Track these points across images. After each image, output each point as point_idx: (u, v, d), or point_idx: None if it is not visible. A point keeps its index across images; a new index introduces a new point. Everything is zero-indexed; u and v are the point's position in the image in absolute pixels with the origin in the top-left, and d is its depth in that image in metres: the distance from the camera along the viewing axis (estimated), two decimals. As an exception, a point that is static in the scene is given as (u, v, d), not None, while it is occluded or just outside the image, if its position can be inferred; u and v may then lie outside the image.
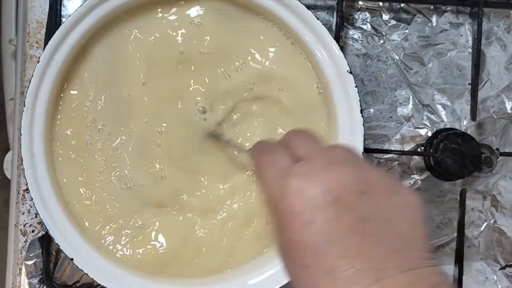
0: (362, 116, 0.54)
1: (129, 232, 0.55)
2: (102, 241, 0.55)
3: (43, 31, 0.60)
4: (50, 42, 0.50)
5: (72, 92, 0.54)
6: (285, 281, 0.53)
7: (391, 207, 0.39)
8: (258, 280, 0.54)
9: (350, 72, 0.53)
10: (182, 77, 0.56)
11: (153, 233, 0.56)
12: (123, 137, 0.56)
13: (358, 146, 0.54)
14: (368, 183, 0.39)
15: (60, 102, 0.54)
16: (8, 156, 0.67)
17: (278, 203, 0.39)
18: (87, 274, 0.51)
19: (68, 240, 0.52)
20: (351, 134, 0.54)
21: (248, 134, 0.57)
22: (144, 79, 0.55)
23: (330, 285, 0.37)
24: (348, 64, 0.53)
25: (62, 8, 0.59)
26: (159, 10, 0.55)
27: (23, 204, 0.60)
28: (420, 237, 0.39)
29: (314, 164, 0.39)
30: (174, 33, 0.55)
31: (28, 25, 0.60)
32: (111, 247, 0.55)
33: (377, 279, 0.36)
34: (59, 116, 0.54)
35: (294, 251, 0.39)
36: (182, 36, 0.56)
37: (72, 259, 0.51)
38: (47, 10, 0.59)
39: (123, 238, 0.55)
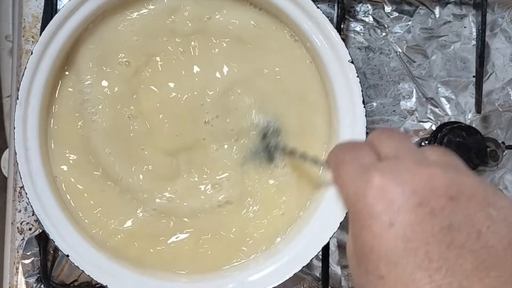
0: (364, 106, 0.53)
1: (126, 227, 0.54)
2: (98, 237, 0.53)
3: (39, 25, 0.59)
4: (43, 34, 0.49)
5: (67, 84, 0.53)
6: (285, 278, 0.52)
7: (484, 219, 0.34)
8: (259, 277, 0.53)
9: (352, 62, 0.52)
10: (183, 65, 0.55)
11: (152, 229, 0.54)
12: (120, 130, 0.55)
13: (361, 138, 0.53)
14: (461, 189, 0.34)
15: (55, 95, 0.53)
16: (5, 154, 0.66)
17: (357, 201, 0.35)
18: (82, 271, 0.50)
19: (63, 236, 0.51)
20: (353, 125, 0.53)
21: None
22: (140, 70, 0.54)
23: None
24: (349, 53, 0.52)
25: (58, 2, 0.58)
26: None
27: (19, 202, 0.59)
28: None
29: (402, 162, 0.35)
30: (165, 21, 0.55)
31: (24, 19, 0.59)
32: (108, 243, 0.53)
33: None
34: (54, 109, 0.53)
35: (368, 259, 0.35)
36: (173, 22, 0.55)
37: (67, 256, 0.50)
38: (42, 4, 0.58)
39: (121, 233, 0.54)
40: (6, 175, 0.62)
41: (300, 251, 0.52)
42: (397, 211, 0.34)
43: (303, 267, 0.52)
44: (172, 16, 0.54)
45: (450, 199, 0.34)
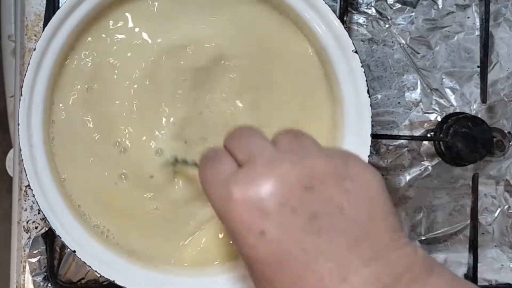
0: (369, 96, 0.52)
1: (133, 223, 0.54)
2: (105, 232, 0.53)
3: (41, 23, 0.59)
4: (46, 29, 0.49)
5: (70, 80, 0.53)
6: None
7: (342, 194, 0.35)
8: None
9: (356, 52, 0.52)
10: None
11: (159, 223, 0.54)
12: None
13: (366, 128, 0.52)
14: (312, 175, 0.35)
15: (59, 91, 0.53)
16: (10, 154, 0.66)
17: (227, 219, 0.36)
18: (89, 267, 0.50)
19: (70, 232, 0.50)
20: (358, 116, 0.52)
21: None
22: (146, 67, 0.54)
23: None
24: (353, 43, 0.52)
25: (60, 0, 0.58)
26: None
27: (25, 201, 0.59)
28: (382, 218, 0.36)
29: (255, 167, 0.36)
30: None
31: (26, 18, 0.59)
32: (114, 239, 0.53)
33: (342, 279, 0.34)
34: (58, 106, 0.53)
35: (255, 268, 0.36)
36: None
37: (74, 251, 0.50)
38: (44, 2, 0.58)
39: (128, 228, 0.54)
40: (11, 174, 0.62)
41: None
42: (263, 218, 0.35)
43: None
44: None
45: (305, 190, 0.35)
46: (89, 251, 0.51)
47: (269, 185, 0.35)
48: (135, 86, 0.54)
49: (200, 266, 0.54)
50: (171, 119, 0.54)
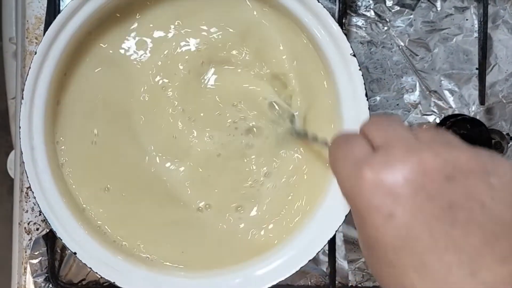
0: (367, 100, 0.53)
1: (134, 224, 0.54)
2: (106, 234, 0.54)
3: (42, 26, 0.59)
4: (47, 33, 0.49)
5: (72, 83, 0.53)
6: (292, 272, 0.52)
7: (486, 190, 0.34)
8: (265, 271, 0.53)
9: (354, 55, 0.52)
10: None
11: (161, 226, 0.55)
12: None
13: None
14: (457, 166, 0.34)
15: (61, 94, 0.53)
16: (12, 156, 0.66)
17: (354, 198, 0.36)
18: (90, 268, 0.50)
19: (70, 234, 0.51)
20: (356, 119, 0.53)
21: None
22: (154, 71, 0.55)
23: (419, 284, 0.33)
24: (351, 47, 0.52)
25: (61, 3, 0.58)
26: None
27: (26, 202, 0.60)
28: None
29: (393, 152, 0.35)
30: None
31: (27, 21, 0.59)
32: (115, 240, 0.54)
33: (471, 273, 0.32)
34: (60, 108, 0.53)
35: (376, 249, 0.35)
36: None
37: (75, 253, 0.50)
38: (45, 5, 0.58)
39: (129, 230, 0.54)
40: (12, 176, 0.63)
41: (306, 245, 0.52)
42: (394, 201, 0.34)
43: (309, 261, 0.52)
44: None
45: (446, 179, 0.34)
46: (90, 253, 0.51)
47: (405, 170, 0.34)
48: (143, 89, 0.55)
49: (202, 268, 0.54)
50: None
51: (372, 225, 0.35)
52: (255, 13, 0.55)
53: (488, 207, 0.34)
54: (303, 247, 0.52)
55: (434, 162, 0.34)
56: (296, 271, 0.52)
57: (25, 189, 0.60)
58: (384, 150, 0.36)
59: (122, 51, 0.54)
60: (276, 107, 0.55)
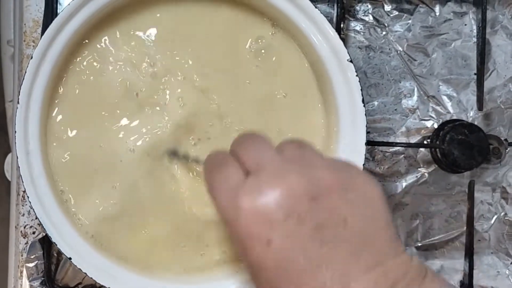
0: (364, 106, 0.53)
1: (129, 230, 0.54)
2: (102, 239, 0.53)
3: (40, 30, 0.59)
4: (43, 37, 0.49)
5: (68, 88, 0.53)
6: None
7: (345, 206, 0.37)
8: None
9: (351, 61, 0.52)
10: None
11: (156, 231, 0.55)
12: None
13: (361, 137, 0.52)
14: (319, 186, 0.37)
15: (56, 99, 0.53)
16: (9, 158, 0.66)
17: (234, 226, 0.37)
18: (85, 274, 0.50)
19: (65, 239, 0.51)
20: (353, 125, 0.53)
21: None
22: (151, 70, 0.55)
23: None
24: (348, 53, 0.52)
25: (58, 6, 0.58)
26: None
27: (23, 206, 0.59)
28: (382, 227, 0.38)
29: (263, 177, 0.37)
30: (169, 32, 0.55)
31: (25, 24, 0.59)
32: (111, 245, 0.53)
33: (343, 287, 0.35)
34: (55, 112, 0.53)
35: (260, 275, 0.38)
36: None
37: (70, 258, 0.50)
38: (43, 8, 0.58)
39: (125, 235, 0.54)
40: (9, 178, 0.63)
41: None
42: (270, 228, 0.36)
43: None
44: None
45: (311, 200, 0.36)
46: (85, 258, 0.51)
47: (277, 195, 0.36)
48: (136, 93, 0.54)
49: (196, 273, 0.54)
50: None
51: (254, 252, 0.37)
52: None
53: (350, 223, 0.37)
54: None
55: (299, 184, 0.37)
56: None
57: (21, 193, 0.59)
58: (254, 176, 0.38)
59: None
60: None
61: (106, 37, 0.54)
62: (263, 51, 0.55)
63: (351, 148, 0.53)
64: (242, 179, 0.39)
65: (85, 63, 0.54)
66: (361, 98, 0.52)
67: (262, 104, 0.55)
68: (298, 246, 0.36)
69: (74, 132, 0.54)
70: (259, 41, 0.55)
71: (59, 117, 0.53)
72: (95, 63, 0.54)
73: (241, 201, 0.37)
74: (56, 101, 0.53)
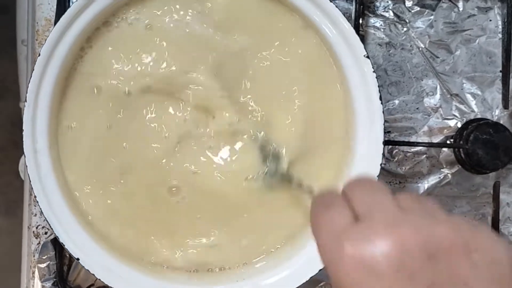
0: (381, 103, 0.51)
1: (139, 230, 0.53)
2: (110, 239, 0.52)
3: (52, 28, 0.58)
4: (51, 35, 0.49)
5: (77, 85, 0.52)
6: (302, 281, 0.50)
7: (468, 267, 0.33)
8: (274, 280, 0.51)
9: (367, 57, 0.50)
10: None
11: (164, 229, 0.54)
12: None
13: (378, 135, 0.51)
14: (438, 243, 0.33)
15: (65, 96, 0.52)
16: (23, 159, 0.66)
17: (335, 271, 0.35)
18: (93, 274, 0.50)
19: (73, 239, 0.50)
20: (369, 122, 0.51)
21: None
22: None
23: None
24: (365, 48, 0.50)
25: (71, 4, 0.57)
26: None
27: (35, 206, 0.59)
28: None
29: (374, 225, 0.34)
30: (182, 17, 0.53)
31: (37, 23, 0.59)
32: (120, 246, 0.52)
33: None
34: (64, 111, 0.52)
35: None
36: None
37: (78, 259, 0.50)
38: (55, 7, 0.58)
39: (134, 236, 0.53)
40: (23, 178, 0.62)
41: (315, 254, 0.51)
42: (375, 279, 0.33)
43: (320, 270, 0.50)
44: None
45: (428, 258, 0.33)
46: (93, 258, 0.50)
47: (387, 247, 0.33)
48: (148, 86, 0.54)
49: (205, 275, 0.53)
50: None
51: None
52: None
53: (470, 287, 0.33)
54: (313, 256, 0.51)
55: (415, 239, 0.33)
56: (307, 281, 0.50)
57: (33, 193, 0.59)
58: (365, 223, 0.35)
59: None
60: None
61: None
62: None
63: (369, 147, 0.51)
64: (350, 223, 0.36)
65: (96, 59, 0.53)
66: (378, 95, 0.50)
67: None
68: None
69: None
70: None
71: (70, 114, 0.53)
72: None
73: (344, 246, 0.34)
74: (66, 98, 0.52)
